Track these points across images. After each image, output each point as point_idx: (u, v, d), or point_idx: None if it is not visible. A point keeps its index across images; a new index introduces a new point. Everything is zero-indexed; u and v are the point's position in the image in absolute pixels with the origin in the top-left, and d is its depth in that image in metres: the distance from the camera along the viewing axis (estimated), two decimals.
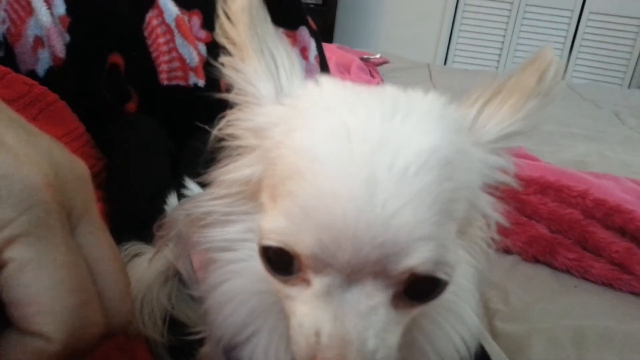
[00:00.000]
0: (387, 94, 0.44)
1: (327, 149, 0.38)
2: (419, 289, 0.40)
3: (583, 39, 4.27)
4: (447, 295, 0.48)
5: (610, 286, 1.21)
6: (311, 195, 0.38)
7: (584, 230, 1.29)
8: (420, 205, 0.37)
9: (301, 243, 0.38)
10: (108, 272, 0.38)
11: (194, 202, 0.54)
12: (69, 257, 0.34)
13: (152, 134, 1.07)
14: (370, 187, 0.36)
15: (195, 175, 0.93)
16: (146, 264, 0.83)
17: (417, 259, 0.37)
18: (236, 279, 0.50)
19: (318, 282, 0.40)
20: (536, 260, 1.29)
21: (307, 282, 0.41)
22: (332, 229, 0.37)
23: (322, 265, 0.39)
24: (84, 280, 0.35)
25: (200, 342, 0.69)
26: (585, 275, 1.23)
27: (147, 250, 0.85)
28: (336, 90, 0.45)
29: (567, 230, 1.31)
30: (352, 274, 0.38)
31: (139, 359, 0.73)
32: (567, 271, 1.25)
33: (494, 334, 1.04)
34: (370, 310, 0.39)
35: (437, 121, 0.42)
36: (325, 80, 0.46)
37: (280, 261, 0.41)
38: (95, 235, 0.38)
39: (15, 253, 0.31)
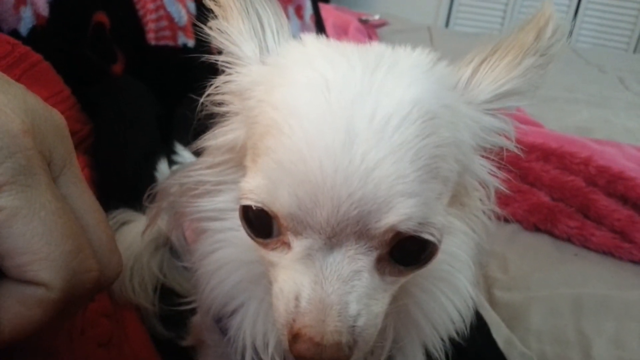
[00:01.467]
0: (372, 49, 0.43)
1: (304, 101, 0.37)
2: (405, 253, 0.39)
3: (589, 2, 4.18)
4: (441, 266, 0.47)
5: (611, 254, 1.20)
6: (288, 149, 0.36)
7: (586, 198, 1.27)
8: (401, 158, 0.35)
9: (278, 200, 0.37)
10: (94, 223, 0.37)
11: (185, 172, 0.53)
12: (57, 204, 0.33)
13: (140, 97, 1.03)
14: (348, 139, 0.35)
15: (186, 142, 0.91)
16: (136, 232, 0.81)
17: (398, 216, 0.35)
18: (225, 248, 0.50)
19: (298, 245, 0.39)
20: (536, 229, 1.28)
21: (287, 245, 0.40)
22: (309, 183, 0.35)
23: (300, 225, 0.37)
24: (75, 227, 0.34)
25: (192, 311, 0.68)
26: (585, 244, 1.22)
27: (136, 218, 0.83)
28: (319, 47, 0.43)
29: (569, 198, 1.29)
30: (332, 235, 0.37)
31: (128, 327, 0.72)
32: (568, 239, 1.24)
33: (493, 302, 1.03)
34: (352, 275, 0.38)
35: (423, 75, 0.40)
36: (309, 38, 0.45)
37: (261, 223, 0.40)
38: (78, 187, 0.37)
39: (2, 202, 0.30)
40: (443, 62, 0.44)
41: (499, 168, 0.49)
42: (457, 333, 0.52)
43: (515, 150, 0.46)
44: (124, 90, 1.03)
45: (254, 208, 0.39)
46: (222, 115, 0.49)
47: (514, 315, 0.99)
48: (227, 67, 0.47)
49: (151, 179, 0.88)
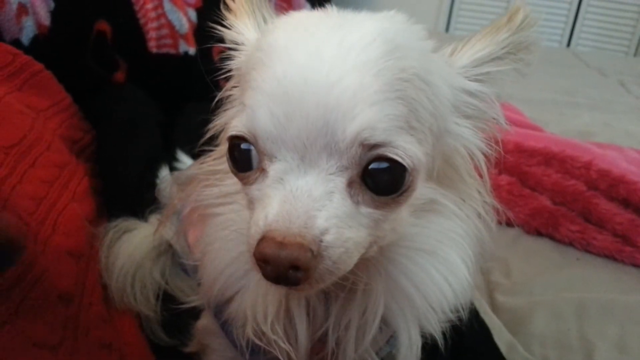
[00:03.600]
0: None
1: (284, 38, 0.42)
2: (377, 180, 0.40)
3: (589, 6, 4.18)
4: (430, 240, 0.48)
5: (613, 258, 1.19)
6: (267, 76, 0.41)
7: (587, 202, 1.26)
8: (364, 73, 0.39)
9: (256, 121, 0.40)
10: None
11: (199, 162, 0.57)
12: None
13: (141, 105, 1.04)
14: (318, 60, 0.39)
15: (187, 148, 0.91)
16: (138, 240, 0.81)
17: (361, 123, 0.38)
18: (232, 227, 0.51)
19: (272, 170, 0.41)
20: (538, 233, 1.27)
21: (265, 173, 0.42)
22: (282, 100, 0.39)
23: (275, 146, 0.40)
24: None
25: (196, 316, 0.68)
26: (587, 248, 1.21)
27: (138, 226, 0.83)
28: (305, 13, 0.47)
29: (571, 202, 1.28)
30: (304, 154, 0.39)
31: (127, 333, 0.72)
32: (570, 243, 1.23)
33: (495, 307, 1.03)
34: (324, 196, 0.39)
35: (397, 22, 0.45)
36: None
37: (242, 158, 0.43)
38: None
39: None
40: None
41: (499, 172, 0.51)
42: (453, 314, 0.52)
43: (500, 122, 0.50)
44: (126, 98, 1.03)
45: (237, 135, 0.42)
46: (229, 100, 0.52)
47: (517, 320, 0.99)
48: (232, 55, 0.53)
49: (153, 186, 0.88)
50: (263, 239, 0.38)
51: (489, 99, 0.49)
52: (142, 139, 0.98)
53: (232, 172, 0.45)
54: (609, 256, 1.19)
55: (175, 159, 0.95)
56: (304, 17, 0.44)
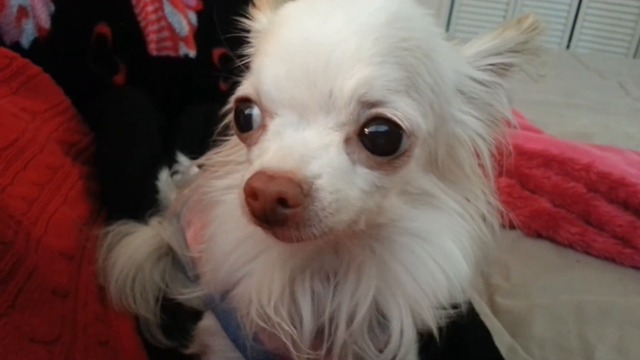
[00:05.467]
0: None
1: (293, 8, 0.44)
2: (375, 139, 0.41)
3: (588, 8, 4.18)
4: (426, 227, 0.48)
5: (613, 260, 1.19)
6: (273, 41, 0.43)
7: (587, 204, 1.27)
8: (365, 37, 0.40)
9: (261, 81, 0.42)
10: None
11: (213, 153, 0.57)
12: None
13: (141, 107, 1.04)
14: (323, 26, 0.41)
15: (187, 151, 0.91)
16: (138, 243, 0.81)
17: (358, 79, 0.39)
18: (238, 212, 0.51)
19: (272, 124, 0.42)
20: (538, 235, 1.27)
21: (266, 129, 0.43)
22: (286, 60, 0.41)
23: (277, 103, 0.41)
24: None
25: (195, 319, 0.68)
26: (587, 250, 1.21)
27: (138, 229, 0.83)
28: None
29: (571, 204, 1.28)
30: (304, 111, 0.40)
31: (122, 335, 0.72)
32: (570, 246, 1.23)
33: (495, 310, 1.02)
34: (320, 147, 0.40)
35: (407, 2, 0.46)
36: None
37: (246, 120, 0.45)
38: None
39: None
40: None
41: (499, 174, 0.51)
42: (450, 306, 0.51)
43: (508, 118, 0.51)
44: (126, 101, 1.03)
45: (242, 97, 0.44)
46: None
47: (517, 323, 0.99)
48: (250, 41, 0.55)
49: (153, 189, 0.88)
50: (255, 174, 0.38)
51: (497, 91, 0.50)
52: (142, 142, 0.98)
53: (237, 134, 0.46)
54: (609, 258, 1.19)
55: (175, 162, 0.95)
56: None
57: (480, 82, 0.50)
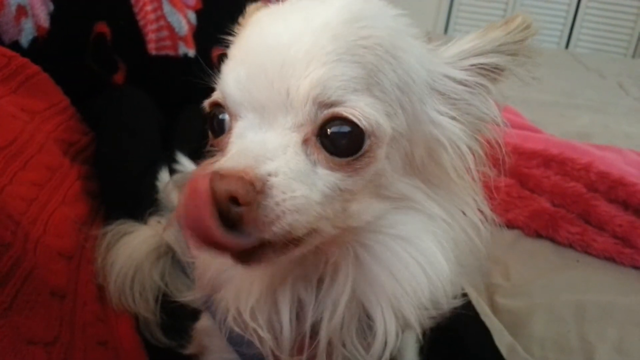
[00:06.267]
0: None
1: (259, 17, 0.45)
2: (335, 141, 0.41)
3: (587, 7, 4.19)
4: (407, 227, 0.48)
5: (612, 260, 1.19)
6: (238, 47, 0.44)
7: (587, 204, 1.26)
8: (321, 36, 0.40)
9: (226, 86, 0.43)
10: None
11: (206, 164, 0.56)
12: None
13: (141, 106, 1.04)
14: (282, 27, 0.41)
15: (187, 150, 0.91)
16: (137, 242, 0.81)
17: (312, 79, 0.39)
18: None
19: (236, 127, 0.43)
20: (538, 235, 1.27)
21: (230, 132, 0.44)
22: (247, 63, 0.42)
23: (239, 105, 0.42)
24: None
25: (194, 318, 0.68)
26: (587, 250, 1.21)
27: (137, 228, 0.83)
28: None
29: (570, 204, 1.28)
30: (264, 113, 0.41)
31: (122, 335, 0.72)
32: (570, 245, 1.23)
33: (495, 309, 1.02)
34: (278, 148, 0.40)
35: (374, 3, 0.46)
36: None
37: (219, 126, 0.46)
38: None
39: None
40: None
41: (499, 174, 0.50)
42: (433, 306, 0.50)
43: (495, 121, 0.50)
44: (126, 100, 1.03)
45: (213, 102, 0.45)
46: None
47: (517, 322, 0.99)
48: None
49: (153, 188, 0.88)
50: (210, 174, 0.38)
51: (480, 92, 0.49)
52: (141, 141, 0.98)
53: (211, 140, 0.48)
54: (609, 258, 1.19)
55: (175, 161, 0.95)
56: (286, 2, 0.46)
57: (460, 82, 0.48)
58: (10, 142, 0.69)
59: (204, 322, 0.66)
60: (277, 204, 0.38)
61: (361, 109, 0.40)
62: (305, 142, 0.41)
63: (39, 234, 0.64)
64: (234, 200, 0.36)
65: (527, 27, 0.48)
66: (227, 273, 0.51)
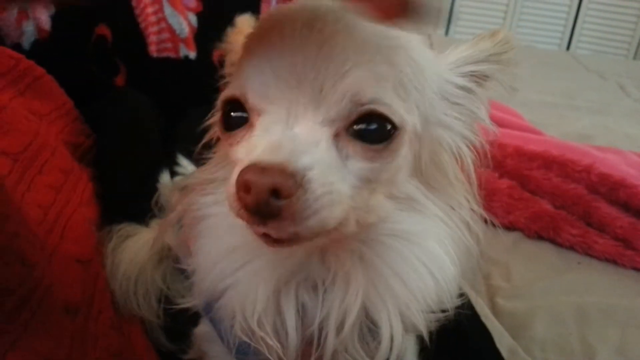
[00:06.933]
0: None
1: (283, 12, 0.44)
2: (364, 133, 0.41)
3: (588, 9, 4.19)
4: (411, 229, 0.48)
5: (614, 262, 1.19)
6: (260, 41, 0.43)
7: (588, 206, 1.27)
8: (354, 34, 0.41)
9: (247, 80, 0.42)
10: None
11: (198, 172, 0.57)
12: None
13: (142, 109, 1.04)
14: (310, 20, 0.41)
15: (188, 153, 0.91)
16: (139, 245, 0.81)
17: (351, 79, 0.39)
18: (224, 223, 0.51)
19: (260, 122, 0.42)
20: (539, 237, 1.27)
21: (253, 128, 0.43)
22: (273, 56, 0.41)
23: (265, 99, 0.41)
24: None
25: (194, 322, 0.68)
26: (588, 251, 1.21)
27: (139, 231, 0.83)
28: None
29: (571, 206, 1.28)
30: (292, 107, 0.40)
31: (134, 340, 0.71)
32: (571, 247, 1.23)
33: (496, 311, 1.02)
34: (310, 142, 0.39)
35: None
36: None
37: (235, 122, 0.44)
38: None
39: None
40: None
41: (500, 176, 0.51)
42: (438, 309, 0.50)
43: (486, 124, 0.52)
44: (126, 102, 1.03)
45: (228, 97, 0.44)
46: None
47: (518, 324, 0.99)
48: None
49: (153, 191, 0.88)
50: (247, 167, 0.37)
51: (475, 98, 0.51)
52: (143, 144, 0.98)
53: (221, 135, 0.46)
54: (610, 260, 1.19)
55: (176, 164, 0.95)
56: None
57: (462, 88, 0.51)
58: (27, 146, 0.68)
59: (203, 327, 0.65)
60: (316, 198, 0.38)
61: (392, 105, 0.41)
62: (336, 136, 0.41)
63: (56, 242, 0.62)
64: (275, 192, 0.36)
65: (508, 42, 0.51)
66: (231, 279, 0.51)
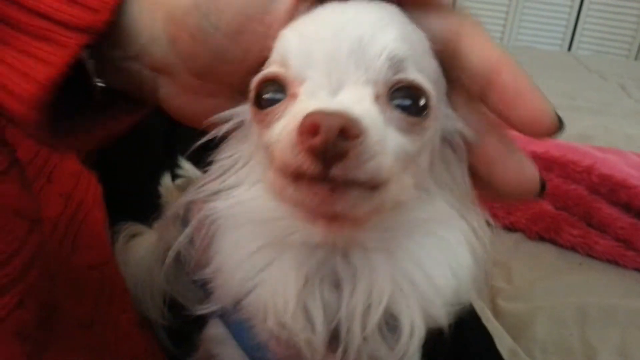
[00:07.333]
0: None
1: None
2: (401, 100, 0.42)
3: (589, 9, 4.19)
4: (429, 220, 0.48)
5: (615, 263, 1.19)
6: (297, 22, 0.44)
7: (589, 206, 1.27)
8: (384, 12, 0.43)
9: (287, 47, 0.43)
10: None
11: (197, 187, 0.53)
12: None
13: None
14: (344, 5, 0.43)
15: (190, 155, 0.91)
16: (146, 244, 0.81)
17: (390, 37, 0.41)
18: (246, 221, 0.50)
19: (305, 88, 0.42)
20: (540, 238, 1.27)
21: (295, 97, 0.43)
22: (313, 25, 0.43)
23: (307, 65, 0.42)
24: None
25: (201, 324, 0.68)
26: (589, 252, 1.22)
27: (144, 231, 0.83)
28: None
29: (572, 207, 1.29)
30: (334, 72, 0.41)
31: (148, 346, 0.71)
32: (572, 248, 1.23)
33: (497, 312, 1.03)
34: (356, 99, 0.41)
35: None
36: None
37: (267, 101, 0.44)
38: None
39: None
40: None
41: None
42: (456, 305, 0.49)
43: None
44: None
45: (265, 77, 0.44)
46: None
47: (518, 325, 0.99)
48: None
49: (155, 194, 0.88)
50: (312, 112, 0.37)
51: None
52: (144, 145, 0.98)
53: (253, 114, 0.46)
54: (611, 261, 1.20)
55: (177, 166, 0.95)
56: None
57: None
58: (36, 154, 0.67)
59: (214, 329, 0.64)
60: (375, 142, 0.38)
61: (424, 78, 0.42)
62: (377, 98, 0.41)
63: (67, 253, 0.62)
64: (344, 132, 0.36)
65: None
66: (258, 277, 0.51)
